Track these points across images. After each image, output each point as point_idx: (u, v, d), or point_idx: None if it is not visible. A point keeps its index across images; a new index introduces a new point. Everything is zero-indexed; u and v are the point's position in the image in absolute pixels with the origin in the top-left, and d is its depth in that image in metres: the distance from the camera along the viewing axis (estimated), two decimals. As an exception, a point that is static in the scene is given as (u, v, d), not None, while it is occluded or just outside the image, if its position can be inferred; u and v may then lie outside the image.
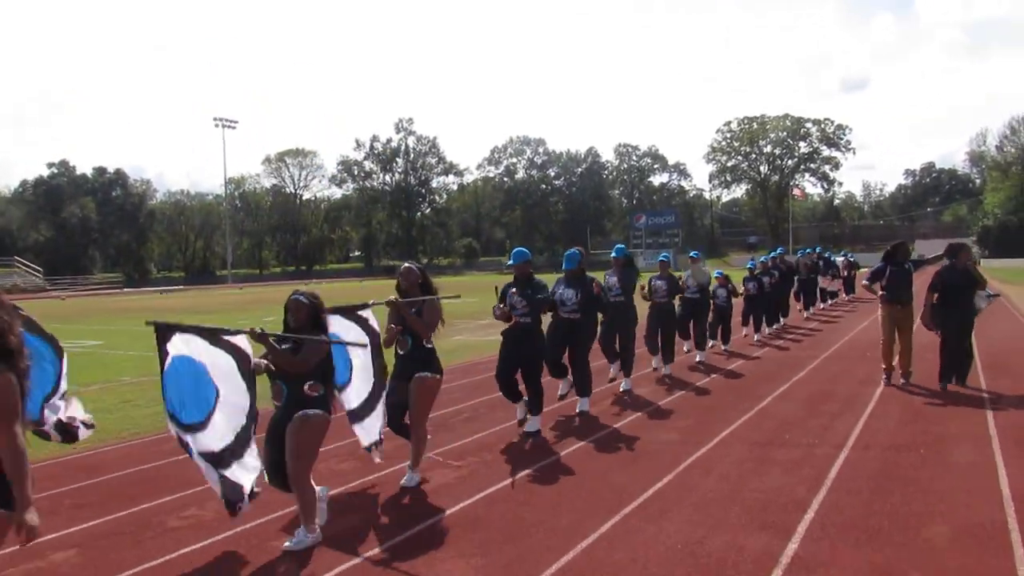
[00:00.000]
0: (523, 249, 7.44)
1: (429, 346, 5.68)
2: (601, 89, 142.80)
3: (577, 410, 8.11)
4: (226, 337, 4.55)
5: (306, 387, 4.47)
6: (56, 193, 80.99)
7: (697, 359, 11.57)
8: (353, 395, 5.56)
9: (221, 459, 4.36)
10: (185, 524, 5.00)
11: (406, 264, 5.84)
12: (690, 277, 11.56)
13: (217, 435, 4.37)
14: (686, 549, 4.38)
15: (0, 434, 2.74)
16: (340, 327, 5.33)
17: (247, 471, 4.48)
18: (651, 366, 10.77)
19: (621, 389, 9.36)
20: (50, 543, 4.69)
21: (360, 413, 5.58)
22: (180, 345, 4.31)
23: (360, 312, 5.56)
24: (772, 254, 16.98)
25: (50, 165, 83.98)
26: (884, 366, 9.33)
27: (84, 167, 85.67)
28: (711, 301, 12.26)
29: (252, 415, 4.57)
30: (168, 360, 4.25)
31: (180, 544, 4.62)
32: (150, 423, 8.22)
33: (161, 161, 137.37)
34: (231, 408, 4.47)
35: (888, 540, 4.40)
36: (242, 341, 4.59)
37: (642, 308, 10.01)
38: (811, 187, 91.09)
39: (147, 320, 4.35)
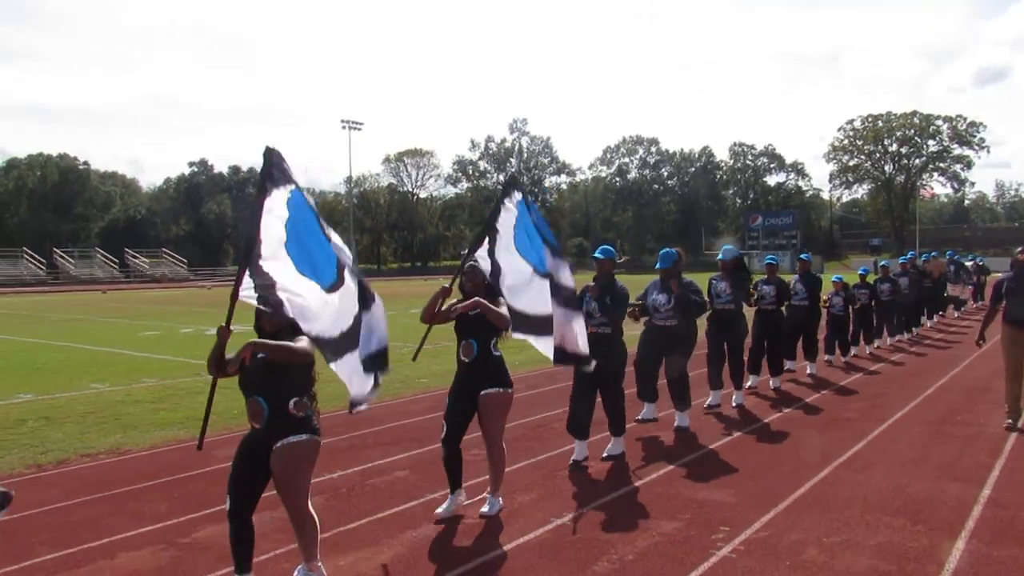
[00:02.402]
0: (605, 246, 6.70)
1: (497, 353, 5.00)
2: (717, 87, 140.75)
3: (675, 425, 7.44)
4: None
5: (291, 405, 3.69)
6: (196, 190, 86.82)
7: (808, 372, 10.68)
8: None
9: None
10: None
11: (471, 262, 5.07)
12: (797, 282, 10.62)
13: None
14: (895, 490, 5.44)
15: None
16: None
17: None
18: (747, 383, 9.32)
19: (734, 404, 8.61)
20: (390, 464, 6.18)
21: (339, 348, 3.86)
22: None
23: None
24: (902, 259, 16.37)
25: (191, 164, 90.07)
26: (1007, 407, 7.49)
27: (220, 166, 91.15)
28: (825, 310, 11.44)
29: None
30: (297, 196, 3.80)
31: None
32: (397, 388, 9.72)
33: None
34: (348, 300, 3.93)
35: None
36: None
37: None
38: (940, 187, 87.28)
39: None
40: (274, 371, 3.66)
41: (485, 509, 5.02)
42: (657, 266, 7.30)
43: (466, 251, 5.21)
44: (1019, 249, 7.59)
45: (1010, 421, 7.35)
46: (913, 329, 15.44)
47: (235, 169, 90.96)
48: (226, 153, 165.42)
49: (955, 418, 7.88)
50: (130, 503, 5.41)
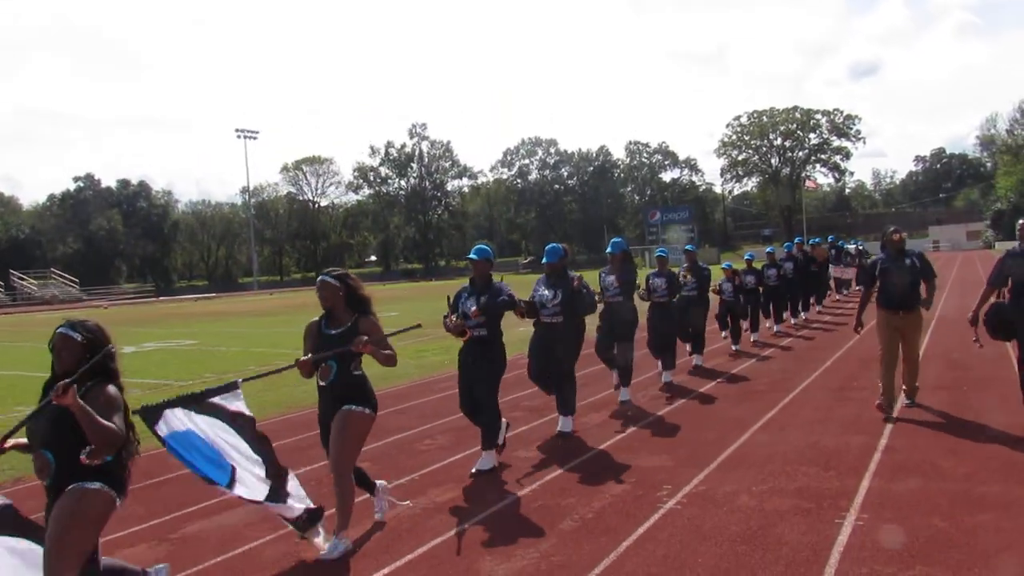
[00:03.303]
0: (480, 246, 6.41)
1: (357, 372, 4.65)
2: (609, 87, 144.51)
3: (558, 430, 7.17)
4: (218, 401, 4.20)
5: (83, 455, 3.28)
6: (83, 206, 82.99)
7: (694, 363, 10.71)
8: (250, 482, 4.14)
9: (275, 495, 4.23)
10: (431, 447, 6.79)
11: (320, 276, 4.73)
12: (688, 271, 10.73)
13: (254, 489, 4.14)
14: (808, 446, 6.25)
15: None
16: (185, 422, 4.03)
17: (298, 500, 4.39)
18: (660, 373, 9.69)
19: (620, 401, 8.46)
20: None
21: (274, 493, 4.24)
22: (176, 422, 3.99)
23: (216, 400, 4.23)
24: (787, 246, 16.86)
25: (76, 179, 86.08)
26: (882, 392, 7.17)
27: (108, 180, 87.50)
28: (714, 297, 11.58)
29: (274, 475, 4.26)
30: (169, 442, 3.94)
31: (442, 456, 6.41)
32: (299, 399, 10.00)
33: (168, 172, 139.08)
34: (250, 482, 4.13)
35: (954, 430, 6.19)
36: (238, 403, 4.24)
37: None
38: (822, 177, 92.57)
39: (133, 410, 3.72)
40: (64, 424, 3.27)
41: (324, 552, 4.42)
42: (544, 261, 7.16)
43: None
44: (891, 229, 7.47)
45: (885, 410, 7.07)
46: (801, 313, 15.86)
47: (124, 183, 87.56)
48: (114, 167, 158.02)
49: (852, 384, 8.85)
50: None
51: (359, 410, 4.56)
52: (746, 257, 14.12)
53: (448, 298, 6.13)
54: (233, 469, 4.04)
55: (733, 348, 12.14)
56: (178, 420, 3.96)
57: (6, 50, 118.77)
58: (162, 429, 3.90)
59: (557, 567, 4.14)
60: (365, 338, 4.46)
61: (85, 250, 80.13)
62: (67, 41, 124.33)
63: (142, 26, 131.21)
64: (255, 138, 77.11)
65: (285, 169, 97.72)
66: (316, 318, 4.75)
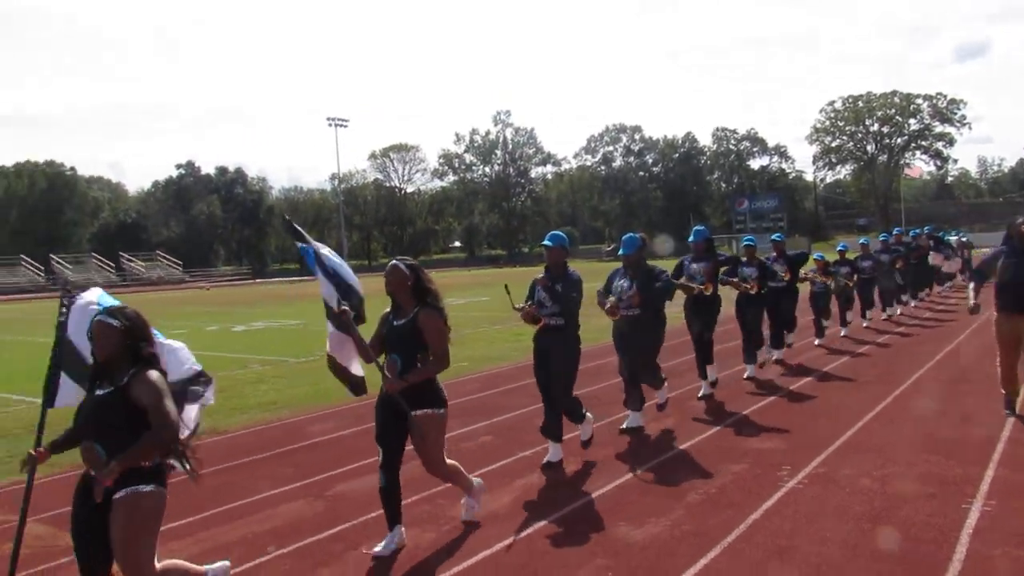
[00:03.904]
0: (554, 232, 6.19)
1: None
2: (697, 73, 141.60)
3: (624, 426, 6.95)
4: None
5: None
6: (185, 192, 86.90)
7: (774, 358, 10.24)
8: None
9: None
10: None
11: (392, 261, 4.59)
12: (773, 263, 10.30)
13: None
14: (925, 436, 6.32)
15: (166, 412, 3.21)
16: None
17: None
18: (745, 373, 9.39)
19: (699, 396, 8.32)
20: (472, 431, 6.94)
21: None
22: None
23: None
24: (883, 236, 15.99)
25: (178, 166, 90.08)
26: (1004, 392, 6.96)
27: (207, 167, 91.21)
28: (802, 288, 11.08)
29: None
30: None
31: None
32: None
33: (261, 160, 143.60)
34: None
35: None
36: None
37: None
38: (923, 165, 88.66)
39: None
40: (112, 416, 3.28)
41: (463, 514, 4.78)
42: (620, 252, 6.92)
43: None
44: (1021, 220, 6.76)
45: (1007, 406, 6.86)
46: (896, 308, 15.17)
47: (222, 170, 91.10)
48: (212, 154, 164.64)
49: (969, 377, 8.72)
50: (260, 469, 6.15)
51: (430, 412, 4.38)
52: (839, 248, 13.64)
53: (506, 286, 6.06)
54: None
55: (816, 342, 11.73)
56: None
57: (105, 46, 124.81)
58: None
59: (689, 535, 4.40)
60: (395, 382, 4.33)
61: (187, 234, 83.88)
62: (165, 37, 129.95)
63: (236, 20, 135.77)
64: (345, 126, 79.02)
65: (373, 156, 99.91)
66: (388, 308, 4.62)
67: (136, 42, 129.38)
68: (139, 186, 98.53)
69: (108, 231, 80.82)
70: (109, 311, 3.37)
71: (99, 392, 3.30)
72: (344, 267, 4.55)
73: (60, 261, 65.63)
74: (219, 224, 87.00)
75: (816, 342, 11.73)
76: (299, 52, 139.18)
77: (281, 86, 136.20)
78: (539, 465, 5.91)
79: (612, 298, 6.58)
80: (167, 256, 72.62)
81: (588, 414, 6.25)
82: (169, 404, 3.23)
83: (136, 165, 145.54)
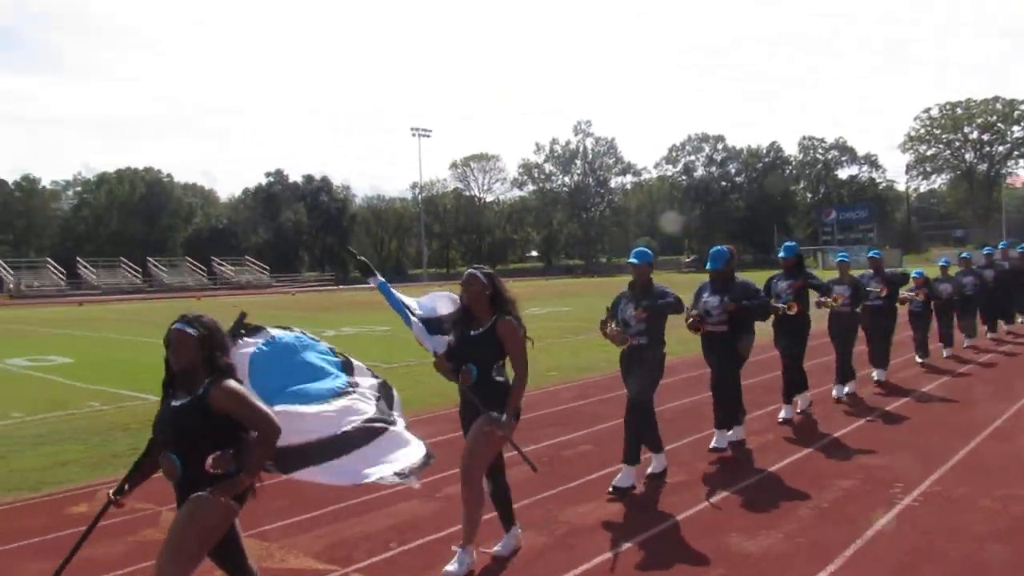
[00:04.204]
0: (641, 248, 6.03)
1: (500, 379, 4.35)
2: (782, 81, 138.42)
3: (711, 445, 6.55)
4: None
5: (208, 463, 3.12)
6: (273, 199, 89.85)
7: (875, 378, 9.76)
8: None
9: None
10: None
11: (470, 270, 4.47)
12: (871, 280, 9.73)
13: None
14: (1045, 457, 6.03)
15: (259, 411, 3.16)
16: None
17: None
18: (844, 390, 8.92)
19: (798, 410, 7.99)
20: (571, 440, 7.03)
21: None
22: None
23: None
24: (986, 250, 14.87)
25: (267, 174, 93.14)
26: None
27: (295, 175, 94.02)
28: (900, 308, 10.45)
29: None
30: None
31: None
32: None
33: (343, 168, 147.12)
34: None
35: None
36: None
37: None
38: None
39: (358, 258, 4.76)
40: (188, 426, 3.18)
41: (450, 566, 4.17)
42: (708, 266, 6.66)
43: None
44: None
45: None
46: (1003, 326, 14.35)
47: (309, 178, 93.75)
48: (297, 163, 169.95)
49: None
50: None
51: (498, 417, 4.21)
52: (941, 263, 12.84)
53: (607, 309, 5.81)
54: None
55: (918, 360, 11.14)
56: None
57: (198, 53, 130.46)
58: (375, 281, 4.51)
59: (804, 547, 4.40)
60: (502, 421, 4.20)
61: (274, 240, 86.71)
62: (257, 47, 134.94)
63: (319, 31, 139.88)
64: (428, 136, 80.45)
65: (454, 166, 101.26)
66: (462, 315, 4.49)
67: (226, 52, 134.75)
68: (229, 192, 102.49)
69: (200, 236, 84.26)
70: (185, 319, 3.26)
71: (176, 403, 3.22)
72: (424, 301, 4.65)
73: (156, 264, 68.81)
74: (304, 231, 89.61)
75: (918, 359, 11.20)
76: (383, 62, 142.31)
77: (364, 95, 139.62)
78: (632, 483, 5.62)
79: (694, 312, 6.38)
80: (255, 261, 75.24)
81: (663, 452, 5.99)
82: (260, 404, 3.17)
83: (226, 171, 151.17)
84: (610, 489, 5.51)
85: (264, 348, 3.64)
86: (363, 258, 4.75)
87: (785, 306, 7.61)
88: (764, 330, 7.22)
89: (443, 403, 8.42)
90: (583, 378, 11.20)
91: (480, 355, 4.29)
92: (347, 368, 3.80)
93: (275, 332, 3.78)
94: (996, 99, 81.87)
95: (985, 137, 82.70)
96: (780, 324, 7.82)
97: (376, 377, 3.88)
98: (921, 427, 7.41)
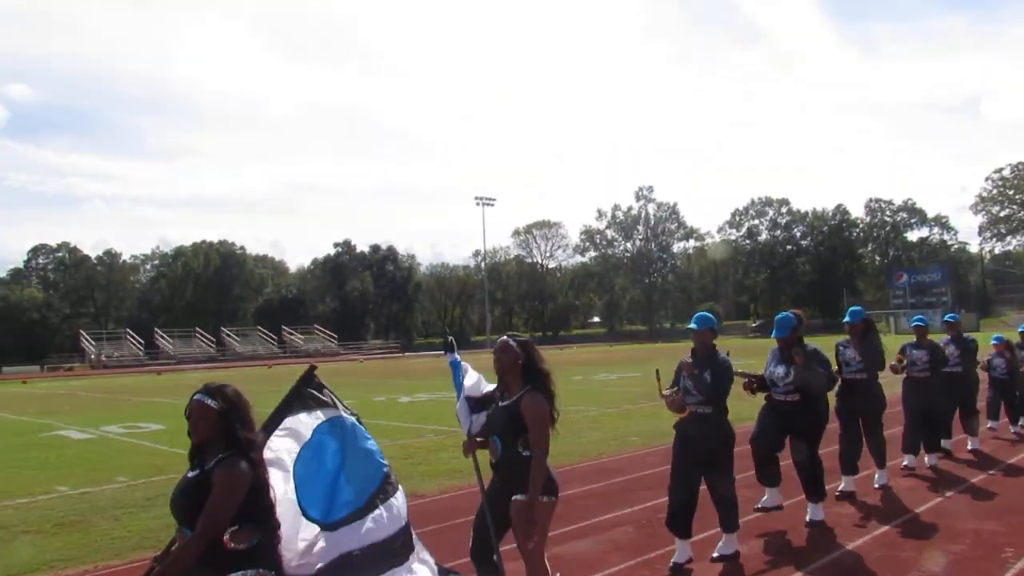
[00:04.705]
0: (702, 313, 5.83)
1: (527, 453, 4.09)
2: (847, 143, 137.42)
3: (807, 519, 6.40)
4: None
5: (227, 536, 2.97)
6: (341, 269, 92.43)
7: (969, 447, 9.53)
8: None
9: None
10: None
11: (503, 337, 4.35)
12: (948, 345, 9.39)
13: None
14: None
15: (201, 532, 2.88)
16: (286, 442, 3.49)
17: None
18: (902, 463, 8.52)
19: (876, 485, 7.65)
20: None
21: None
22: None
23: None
24: None
25: (336, 244, 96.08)
26: None
27: (362, 245, 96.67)
28: (983, 374, 10.29)
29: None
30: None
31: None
32: (589, 449, 10.71)
33: (407, 235, 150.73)
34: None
35: None
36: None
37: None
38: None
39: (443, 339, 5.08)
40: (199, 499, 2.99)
41: None
42: (773, 334, 6.43)
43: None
44: None
45: None
46: None
47: (375, 248, 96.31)
48: (363, 233, 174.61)
49: None
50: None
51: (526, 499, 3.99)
52: (1021, 329, 12.10)
53: (656, 372, 5.70)
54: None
55: (1013, 430, 10.65)
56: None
57: (275, 130, 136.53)
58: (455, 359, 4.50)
59: None
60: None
61: (341, 308, 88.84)
62: (326, 122, 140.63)
63: (377, 101, 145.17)
64: (492, 205, 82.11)
65: (516, 233, 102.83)
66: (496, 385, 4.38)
67: (292, 127, 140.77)
68: (298, 263, 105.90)
69: (271, 306, 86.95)
70: (208, 390, 3.16)
71: (190, 475, 3.12)
72: (476, 380, 4.57)
73: (229, 334, 71.12)
74: (370, 299, 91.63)
75: (1013, 429, 10.69)
76: (447, 132, 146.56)
77: (427, 165, 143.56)
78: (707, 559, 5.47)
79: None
80: (323, 329, 77.02)
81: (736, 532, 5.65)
82: (227, 503, 2.94)
83: (294, 245, 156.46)
84: (714, 556, 5.45)
85: (325, 427, 3.54)
86: (451, 337, 4.94)
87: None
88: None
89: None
90: (666, 443, 11.16)
91: (505, 428, 4.12)
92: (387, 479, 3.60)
93: (339, 410, 3.66)
94: (1071, 157, 79.90)
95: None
96: (847, 393, 7.53)
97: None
98: (1018, 495, 7.25)
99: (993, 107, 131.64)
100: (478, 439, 4.33)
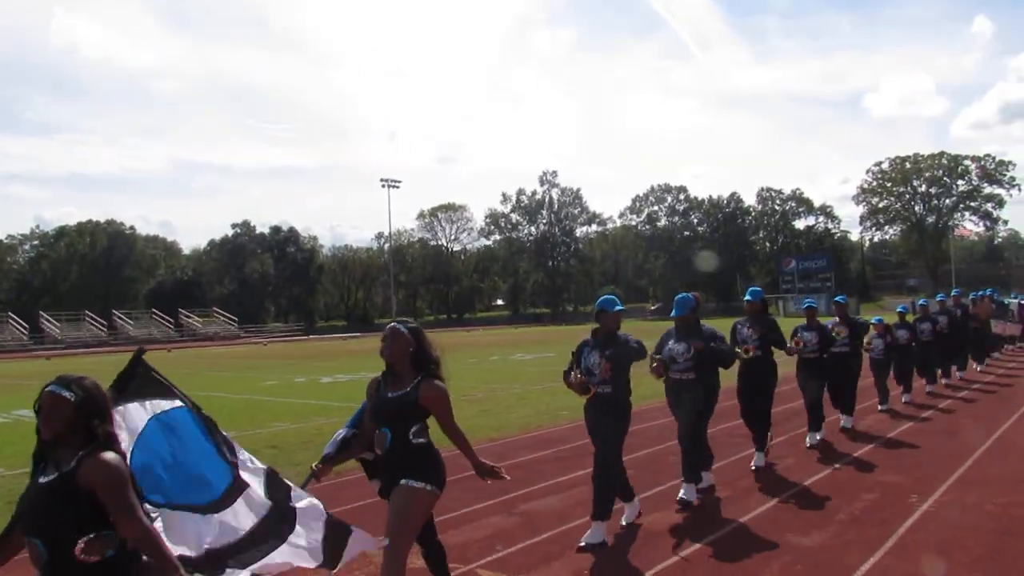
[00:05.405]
0: (610, 296, 5.96)
1: (420, 440, 3.95)
2: (738, 133, 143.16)
3: (680, 496, 6.49)
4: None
5: (79, 549, 2.66)
6: (239, 251, 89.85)
7: (842, 425, 9.86)
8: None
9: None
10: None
11: (392, 324, 4.15)
12: (836, 326, 9.89)
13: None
14: (1032, 472, 6.95)
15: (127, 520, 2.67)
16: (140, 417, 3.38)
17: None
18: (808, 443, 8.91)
19: (753, 466, 7.76)
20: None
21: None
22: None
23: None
24: (939, 296, 15.50)
25: (234, 225, 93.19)
26: None
27: (262, 226, 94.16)
28: (864, 355, 10.73)
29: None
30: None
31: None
32: (527, 422, 11.34)
33: (303, 217, 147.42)
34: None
35: None
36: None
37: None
38: (972, 226, 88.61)
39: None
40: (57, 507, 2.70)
41: None
42: (673, 313, 6.70)
43: None
44: None
45: None
46: (957, 373, 14.70)
47: (276, 229, 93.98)
48: (258, 214, 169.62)
49: None
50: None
51: (418, 486, 3.86)
52: (899, 310, 13.15)
53: (572, 354, 5.74)
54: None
55: (879, 408, 11.33)
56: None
57: (164, 107, 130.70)
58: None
59: (852, 543, 5.25)
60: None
61: (239, 291, 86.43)
62: (221, 96, 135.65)
63: (286, 78, 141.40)
64: (397, 187, 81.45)
65: (422, 216, 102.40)
66: (378, 373, 4.14)
67: (185, 101, 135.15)
68: (191, 244, 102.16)
69: (164, 288, 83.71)
70: (63, 381, 2.82)
71: (42, 479, 2.75)
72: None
73: (122, 317, 68.16)
74: (271, 282, 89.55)
75: (880, 407, 11.35)
76: (355, 109, 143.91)
77: (325, 145, 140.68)
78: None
79: (657, 357, 6.40)
80: (223, 312, 74.88)
81: (637, 499, 6.03)
82: (129, 496, 2.70)
83: (185, 224, 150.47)
84: (581, 544, 5.36)
85: (161, 419, 3.40)
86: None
87: (742, 349, 7.60)
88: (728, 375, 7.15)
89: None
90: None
91: (397, 419, 3.91)
92: (230, 448, 3.55)
93: (172, 400, 3.49)
94: (942, 154, 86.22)
95: (933, 190, 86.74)
96: (745, 371, 7.82)
97: (257, 466, 3.60)
98: (913, 456, 8.30)
99: (874, 103, 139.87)
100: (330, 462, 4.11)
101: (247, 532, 3.32)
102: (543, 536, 5.62)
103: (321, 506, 3.57)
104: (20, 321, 62.76)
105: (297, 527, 3.46)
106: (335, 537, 3.54)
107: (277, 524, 3.42)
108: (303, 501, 3.55)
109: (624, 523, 5.82)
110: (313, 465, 3.99)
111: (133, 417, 3.32)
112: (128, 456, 3.08)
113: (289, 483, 3.59)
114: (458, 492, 7.10)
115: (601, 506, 5.44)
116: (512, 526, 5.93)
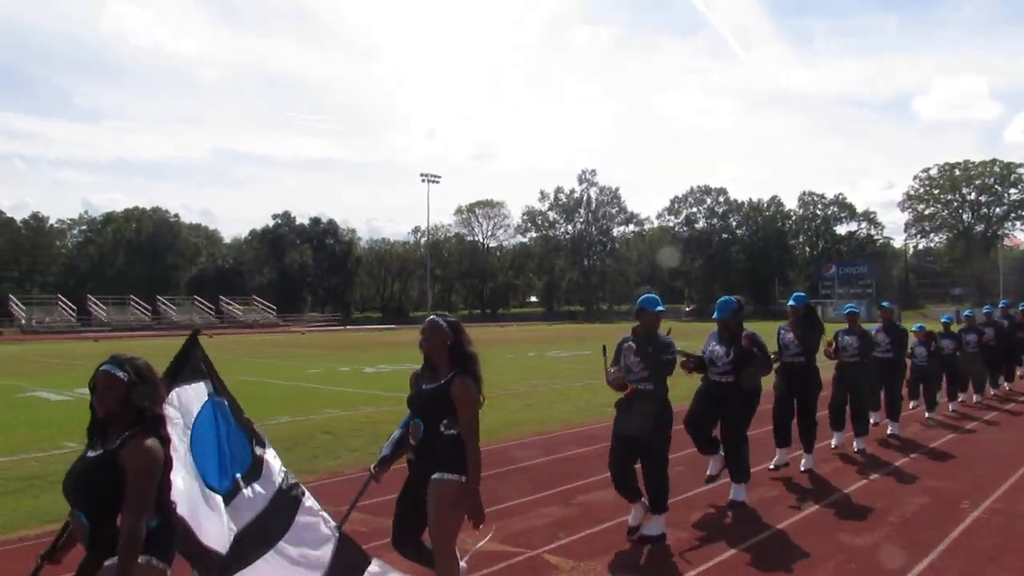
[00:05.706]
0: (652, 295, 5.91)
1: (450, 432, 3.98)
2: (780, 136, 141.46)
3: (730, 498, 6.54)
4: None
5: (120, 520, 2.78)
6: (279, 241, 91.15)
7: (889, 431, 9.86)
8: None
9: None
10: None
11: (431, 316, 4.17)
12: (879, 332, 9.93)
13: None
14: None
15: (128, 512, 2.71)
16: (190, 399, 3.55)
17: None
18: (832, 442, 9.02)
19: (802, 468, 7.76)
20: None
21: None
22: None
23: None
24: (987, 308, 14.98)
25: (275, 216, 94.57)
26: None
27: (302, 217, 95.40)
28: (908, 361, 10.78)
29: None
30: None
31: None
32: (570, 418, 11.52)
33: (344, 210, 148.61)
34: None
35: None
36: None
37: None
38: (1023, 236, 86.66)
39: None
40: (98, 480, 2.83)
41: None
42: (715, 316, 6.70)
43: None
44: None
45: None
46: (1005, 385, 14.51)
47: (316, 220, 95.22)
48: (296, 205, 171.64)
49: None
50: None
51: (452, 478, 3.90)
52: (943, 319, 12.93)
53: (603, 348, 5.77)
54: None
55: (927, 416, 11.21)
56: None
57: (208, 96, 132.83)
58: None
59: (908, 544, 5.35)
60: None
61: (279, 281, 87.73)
62: (263, 87, 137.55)
63: (329, 73, 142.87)
64: (437, 182, 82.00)
65: (459, 211, 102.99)
66: (420, 366, 4.19)
67: (230, 92, 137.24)
68: (230, 233, 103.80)
69: (206, 275, 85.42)
70: (116, 360, 2.94)
71: (91, 454, 2.89)
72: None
73: (166, 303, 69.68)
74: (309, 272, 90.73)
75: (927, 415, 11.25)
76: (397, 104, 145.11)
77: (364, 139, 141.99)
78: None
79: (692, 355, 6.47)
80: (262, 301, 76.12)
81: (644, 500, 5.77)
82: (148, 487, 2.79)
83: (225, 213, 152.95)
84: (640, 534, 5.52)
85: (217, 402, 3.61)
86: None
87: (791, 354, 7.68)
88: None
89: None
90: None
91: (430, 410, 3.98)
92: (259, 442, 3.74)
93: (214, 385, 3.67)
94: (994, 162, 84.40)
95: (983, 199, 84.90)
96: (787, 376, 7.83)
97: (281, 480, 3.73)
98: (958, 467, 8.31)
99: (923, 108, 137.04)
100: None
101: (240, 531, 3.45)
102: (604, 525, 5.80)
103: (332, 529, 3.74)
104: (69, 304, 64.52)
105: (287, 536, 3.61)
106: (349, 568, 3.72)
107: (265, 526, 3.55)
108: (310, 518, 3.71)
109: (631, 524, 5.73)
110: (372, 467, 4.16)
111: (191, 398, 3.49)
112: (187, 439, 3.33)
113: (309, 502, 3.78)
114: (515, 480, 7.35)
115: (658, 502, 5.58)
116: (572, 515, 6.11)
